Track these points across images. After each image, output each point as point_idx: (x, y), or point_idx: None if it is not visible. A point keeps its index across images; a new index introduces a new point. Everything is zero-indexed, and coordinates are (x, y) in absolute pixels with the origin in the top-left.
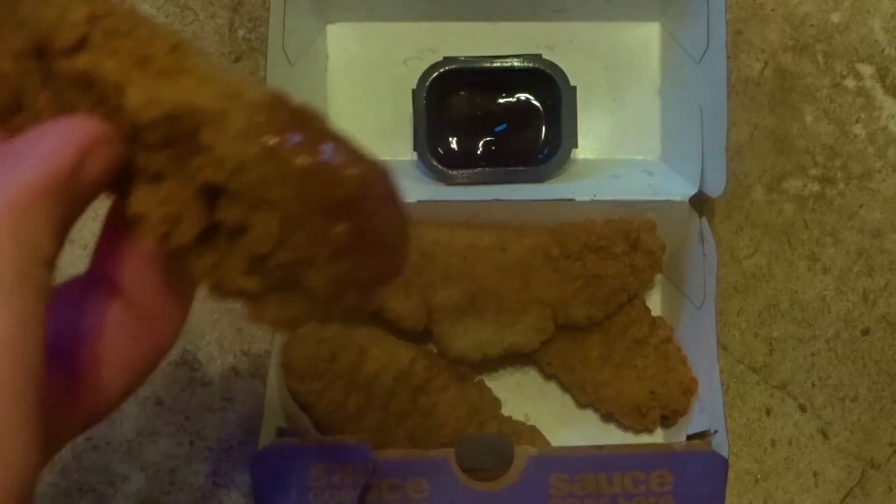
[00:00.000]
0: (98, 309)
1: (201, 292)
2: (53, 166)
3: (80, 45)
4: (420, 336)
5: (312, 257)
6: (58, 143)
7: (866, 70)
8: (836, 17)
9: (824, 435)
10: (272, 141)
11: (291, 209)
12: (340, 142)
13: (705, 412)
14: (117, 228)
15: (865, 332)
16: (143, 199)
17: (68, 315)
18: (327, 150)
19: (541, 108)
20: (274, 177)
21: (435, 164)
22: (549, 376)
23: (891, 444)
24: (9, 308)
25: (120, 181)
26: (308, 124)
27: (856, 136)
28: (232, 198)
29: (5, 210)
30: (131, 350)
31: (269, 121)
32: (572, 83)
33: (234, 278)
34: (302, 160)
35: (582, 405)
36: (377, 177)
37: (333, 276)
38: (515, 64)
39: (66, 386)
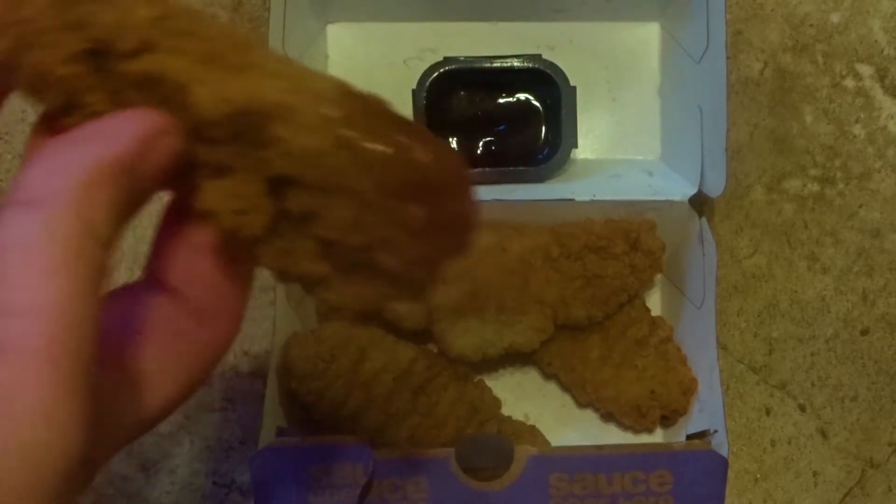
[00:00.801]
0: (153, 310)
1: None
2: (118, 151)
3: (144, 46)
4: (420, 336)
5: (386, 240)
6: (124, 129)
7: (866, 70)
8: (835, 18)
9: (824, 435)
10: (345, 132)
11: (367, 196)
12: (410, 127)
13: (705, 412)
14: (172, 228)
15: (865, 332)
16: (213, 195)
17: (123, 316)
18: (400, 136)
19: (541, 108)
20: (348, 166)
21: None
22: (549, 376)
23: (890, 444)
24: (65, 277)
25: (176, 178)
26: (377, 112)
27: (855, 136)
28: (302, 187)
29: (70, 187)
30: (187, 350)
31: (339, 112)
32: (572, 83)
33: (304, 263)
34: (376, 148)
35: (582, 405)
36: (449, 160)
37: (406, 257)
38: (515, 64)
39: (117, 385)
